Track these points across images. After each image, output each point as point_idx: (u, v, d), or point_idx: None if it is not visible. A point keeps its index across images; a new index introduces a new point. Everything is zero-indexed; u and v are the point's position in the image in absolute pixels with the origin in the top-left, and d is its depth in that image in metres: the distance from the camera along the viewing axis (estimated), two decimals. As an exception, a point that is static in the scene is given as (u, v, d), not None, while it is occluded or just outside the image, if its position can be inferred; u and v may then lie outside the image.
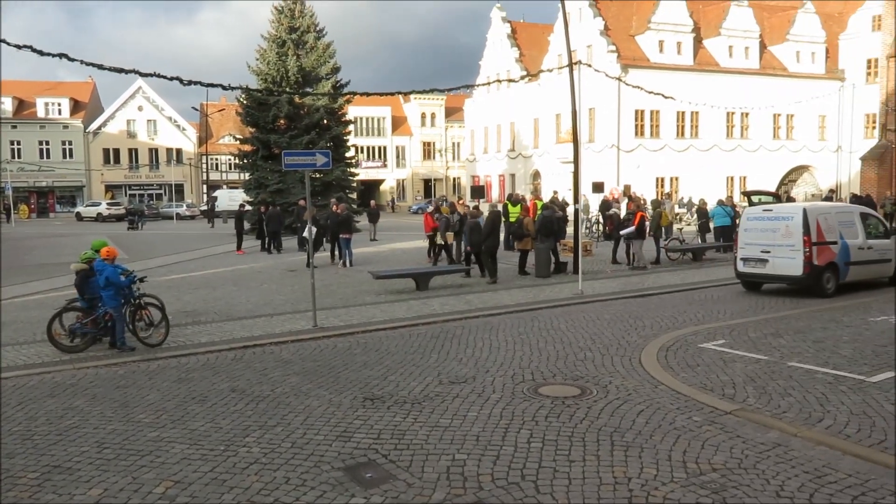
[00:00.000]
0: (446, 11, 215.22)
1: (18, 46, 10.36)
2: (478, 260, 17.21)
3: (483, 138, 56.16)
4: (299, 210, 25.31)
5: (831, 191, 34.93)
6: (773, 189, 40.70)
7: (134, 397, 7.83)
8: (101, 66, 11.76)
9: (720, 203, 24.07)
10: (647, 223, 18.16)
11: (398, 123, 72.22)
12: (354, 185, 38.94)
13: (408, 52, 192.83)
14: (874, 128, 42.65)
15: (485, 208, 22.47)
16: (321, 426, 6.71)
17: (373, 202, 32.70)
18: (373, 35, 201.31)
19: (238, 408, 7.34)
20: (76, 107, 65.15)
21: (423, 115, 72.35)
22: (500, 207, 19.71)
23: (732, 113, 42.87)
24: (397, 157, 72.33)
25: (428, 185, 71.34)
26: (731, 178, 44.83)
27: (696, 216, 27.03)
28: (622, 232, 19.47)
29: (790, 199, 35.79)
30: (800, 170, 47.76)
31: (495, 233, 16.88)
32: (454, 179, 72.69)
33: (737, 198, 35.49)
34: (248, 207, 26.91)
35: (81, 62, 11.58)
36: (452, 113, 70.84)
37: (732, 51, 44.31)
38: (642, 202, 23.23)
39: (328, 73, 36.52)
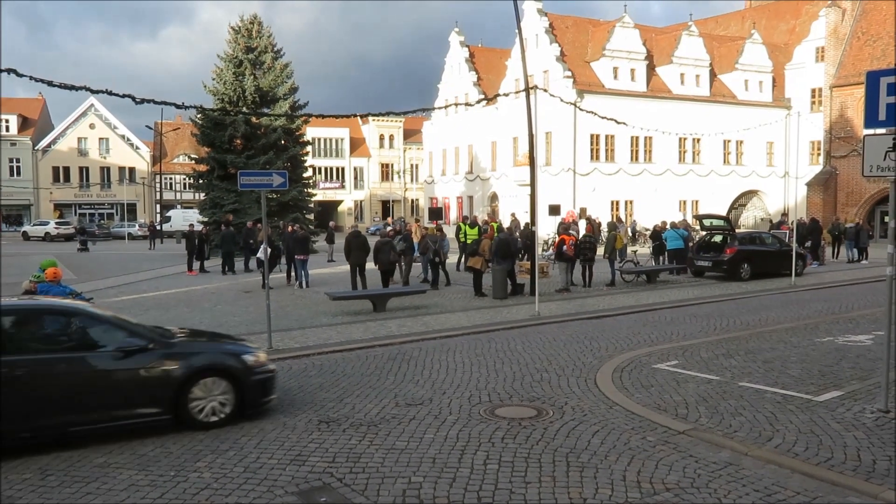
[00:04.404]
0: (416, 32, 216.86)
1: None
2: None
3: (441, 160, 56.44)
4: (247, 231, 24.97)
5: (783, 215, 35.93)
6: (724, 213, 41.76)
7: (80, 422, 7.57)
8: (50, 83, 11.46)
9: (673, 226, 24.53)
10: (566, 247, 18.55)
11: (356, 145, 72.15)
12: (311, 205, 38.66)
13: (376, 71, 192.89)
14: (819, 154, 44.18)
15: (449, 231, 22.86)
16: (275, 450, 6.59)
17: (332, 223, 32.41)
18: (341, 54, 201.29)
19: (189, 431, 7.16)
20: (25, 123, 63.61)
21: (382, 137, 72.45)
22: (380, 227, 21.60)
23: (684, 139, 43.86)
24: (355, 178, 72.15)
25: (386, 207, 71.24)
26: (684, 202, 45.78)
27: (650, 239, 27.50)
28: (545, 254, 19.85)
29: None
30: (749, 194, 49.18)
31: (357, 251, 18.21)
32: (412, 201, 72.79)
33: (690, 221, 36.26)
34: (197, 227, 26.38)
35: (31, 78, 11.24)
36: (411, 135, 71.11)
37: (684, 78, 45.49)
38: (576, 225, 23.73)
39: (286, 94, 36.33)
